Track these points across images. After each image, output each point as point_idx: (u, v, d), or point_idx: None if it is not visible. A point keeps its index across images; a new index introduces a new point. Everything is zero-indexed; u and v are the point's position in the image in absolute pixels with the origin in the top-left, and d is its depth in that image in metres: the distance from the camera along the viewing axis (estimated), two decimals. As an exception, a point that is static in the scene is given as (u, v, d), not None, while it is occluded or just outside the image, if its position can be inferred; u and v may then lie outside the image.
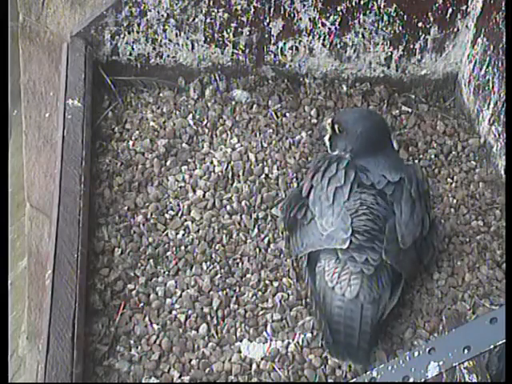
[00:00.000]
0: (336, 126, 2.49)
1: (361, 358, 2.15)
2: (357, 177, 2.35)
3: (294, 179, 2.68)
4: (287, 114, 2.94)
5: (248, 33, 2.93)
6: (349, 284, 2.21)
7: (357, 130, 2.43)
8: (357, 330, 2.15)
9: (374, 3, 2.87)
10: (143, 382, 2.13)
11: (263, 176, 2.69)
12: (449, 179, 2.78)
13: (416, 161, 2.83)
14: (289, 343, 2.24)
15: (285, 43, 2.97)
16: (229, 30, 2.92)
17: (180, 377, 2.15)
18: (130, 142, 2.76)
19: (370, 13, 2.90)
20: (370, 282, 2.21)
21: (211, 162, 2.72)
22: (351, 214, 2.28)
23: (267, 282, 2.38)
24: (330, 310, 2.19)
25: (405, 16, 2.92)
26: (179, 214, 2.55)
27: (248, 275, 2.39)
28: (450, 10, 2.91)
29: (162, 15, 2.86)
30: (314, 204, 2.34)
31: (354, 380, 1.85)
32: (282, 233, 2.49)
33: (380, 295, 2.22)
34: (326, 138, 2.55)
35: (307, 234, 2.32)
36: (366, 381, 1.73)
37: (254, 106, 2.96)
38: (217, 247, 2.46)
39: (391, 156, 2.49)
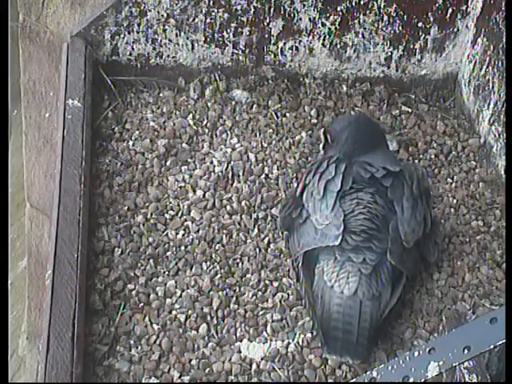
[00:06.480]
0: (328, 136, 2.52)
1: (359, 353, 2.15)
2: (349, 169, 2.34)
3: (294, 179, 2.68)
4: (287, 114, 2.93)
5: (248, 33, 2.93)
6: (347, 282, 2.20)
7: (343, 136, 2.46)
8: (355, 326, 2.15)
9: (374, 3, 2.87)
10: (143, 382, 2.13)
11: (263, 176, 2.69)
12: (449, 179, 2.78)
13: (416, 161, 2.82)
14: (289, 343, 2.24)
15: (285, 43, 2.97)
16: (229, 30, 2.92)
17: (180, 377, 2.15)
18: (130, 142, 2.76)
19: (370, 13, 2.90)
20: (368, 280, 2.21)
21: (211, 162, 2.72)
22: (348, 214, 2.28)
23: (267, 281, 2.38)
24: (330, 309, 2.19)
25: (405, 16, 2.92)
26: (179, 214, 2.55)
27: (248, 275, 2.39)
28: (450, 10, 2.91)
29: (162, 15, 2.86)
30: (307, 201, 2.35)
31: (353, 380, 1.85)
32: (282, 233, 2.49)
33: (380, 292, 2.22)
34: (321, 147, 2.57)
35: (303, 234, 2.32)
36: (366, 381, 1.73)
37: (254, 106, 2.95)
38: (217, 247, 2.46)
39: (389, 153, 2.54)
